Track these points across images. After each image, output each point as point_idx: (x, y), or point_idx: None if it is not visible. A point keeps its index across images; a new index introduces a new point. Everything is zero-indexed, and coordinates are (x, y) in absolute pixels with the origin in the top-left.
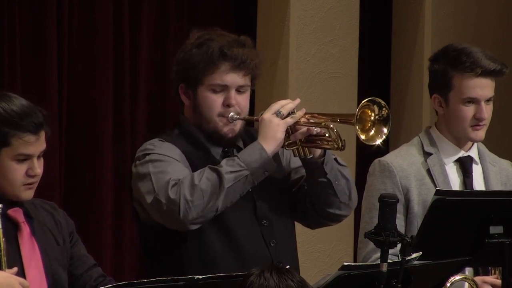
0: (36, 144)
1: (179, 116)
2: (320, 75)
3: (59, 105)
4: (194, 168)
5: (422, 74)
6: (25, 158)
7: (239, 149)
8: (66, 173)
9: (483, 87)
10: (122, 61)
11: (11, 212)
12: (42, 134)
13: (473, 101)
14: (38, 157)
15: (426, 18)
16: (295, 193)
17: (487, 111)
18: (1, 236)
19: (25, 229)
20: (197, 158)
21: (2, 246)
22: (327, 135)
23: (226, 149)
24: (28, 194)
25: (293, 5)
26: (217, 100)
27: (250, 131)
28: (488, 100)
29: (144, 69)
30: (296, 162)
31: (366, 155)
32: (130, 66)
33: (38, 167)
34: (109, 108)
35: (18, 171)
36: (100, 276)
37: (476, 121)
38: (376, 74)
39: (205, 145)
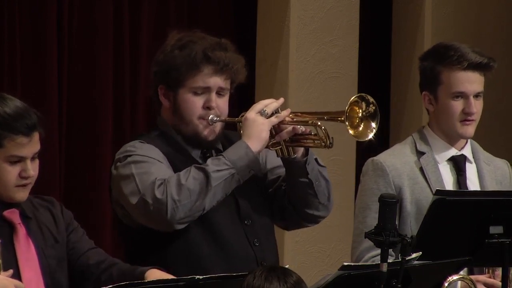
0: (29, 146)
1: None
2: (320, 75)
3: (59, 105)
4: (174, 169)
5: None
6: (18, 160)
7: (218, 151)
8: (66, 173)
9: (471, 82)
10: (122, 61)
11: (6, 213)
12: (35, 135)
13: (462, 95)
14: (33, 158)
15: (426, 18)
16: (272, 194)
17: (476, 106)
18: None
19: (21, 231)
20: (177, 160)
21: None
22: (313, 133)
23: (204, 150)
24: (22, 195)
25: (293, 5)
26: (197, 102)
27: (228, 134)
28: (477, 96)
29: (144, 69)
30: (272, 162)
31: (367, 155)
32: (130, 66)
33: (32, 168)
34: (109, 108)
35: (11, 172)
36: (101, 262)
37: (465, 116)
38: (376, 74)
39: (183, 147)
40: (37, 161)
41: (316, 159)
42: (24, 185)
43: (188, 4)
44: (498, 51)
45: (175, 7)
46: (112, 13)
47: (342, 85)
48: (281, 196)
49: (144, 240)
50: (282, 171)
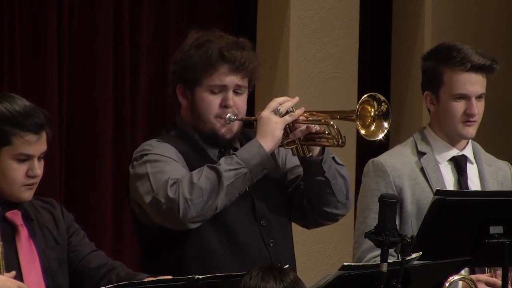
0: (37, 145)
1: (175, 116)
2: (320, 75)
3: (59, 105)
4: (191, 169)
5: None
6: (26, 158)
7: (236, 150)
8: (66, 173)
9: (473, 83)
10: (122, 61)
11: (9, 214)
12: (43, 135)
13: (464, 97)
14: (39, 158)
15: (426, 18)
16: (291, 193)
17: (477, 108)
18: None
19: (23, 232)
20: (194, 159)
21: (0, 249)
22: (326, 132)
23: (222, 149)
24: (28, 195)
25: (293, 5)
26: (214, 101)
27: (247, 132)
28: (479, 97)
29: (144, 69)
30: (292, 161)
31: (367, 155)
32: (130, 66)
33: (39, 168)
34: (109, 108)
35: (18, 171)
36: (101, 266)
37: (467, 117)
38: (376, 74)
39: (201, 146)
40: (42, 162)
41: (333, 158)
42: (30, 185)
43: (188, 4)
44: (498, 51)
45: (175, 7)
46: (112, 13)
47: (342, 85)
48: (300, 195)
49: (160, 239)
50: (301, 170)
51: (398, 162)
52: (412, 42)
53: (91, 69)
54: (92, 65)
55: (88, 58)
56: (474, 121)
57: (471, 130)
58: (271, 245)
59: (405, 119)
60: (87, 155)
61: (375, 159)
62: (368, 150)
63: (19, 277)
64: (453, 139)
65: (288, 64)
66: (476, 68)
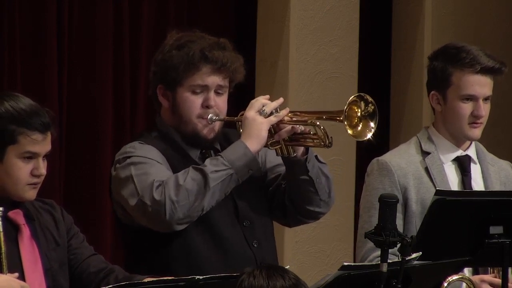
0: (43, 144)
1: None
2: (320, 75)
3: (59, 105)
4: (173, 170)
5: (422, 74)
6: (31, 156)
7: (216, 151)
8: (66, 173)
9: (481, 85)
10: (122, 61)
11: (11, 214)
12: (49, 135)
13: (471, 98)
14: (43, 158)
15: (426, 18)
16: (272, 192)
17: (484, 109)
18: (2, 239)
19: (25, 232)
20: (176, 160)
21: (3, 249)
22: (312, 132)
23: (203, 151)
24: (31, 194)
25: (293, 5)
26: (196, 101)
27: (227, 133)
28: (486, 99)
29: (144, 69)
30: (271, 160)
31: (366, 156)
32: (130, 66)
33: (43, 167)
34: (109, 108)
35: (23, 169)
36: (100, 271)
37: (474, 118)
38: (376, 74)
39: (182, 147)
40: (46, 162)
41: (316, 156)
42: (34, 184)
43: (188, 4)
44: (498, 51)
45: (175, 7)
46: (112, 13)
47: (342, 85)
48: (281, 194)
49: (143, 240)
50: (281, 169)
51: (403, 161)
52: (412, 42)
53: (91, 69)
54: (92, 65)
55: (88, 58)
56: (481, 123)
57: (477, 132)
58: (255, 245)
59: (405, 119)
60: (87, 155)
61: (380, 158)
62: (369, 149)
63: (21, 276)
64: (458, 140)
65: (288, 64)
66: (485, 70)
